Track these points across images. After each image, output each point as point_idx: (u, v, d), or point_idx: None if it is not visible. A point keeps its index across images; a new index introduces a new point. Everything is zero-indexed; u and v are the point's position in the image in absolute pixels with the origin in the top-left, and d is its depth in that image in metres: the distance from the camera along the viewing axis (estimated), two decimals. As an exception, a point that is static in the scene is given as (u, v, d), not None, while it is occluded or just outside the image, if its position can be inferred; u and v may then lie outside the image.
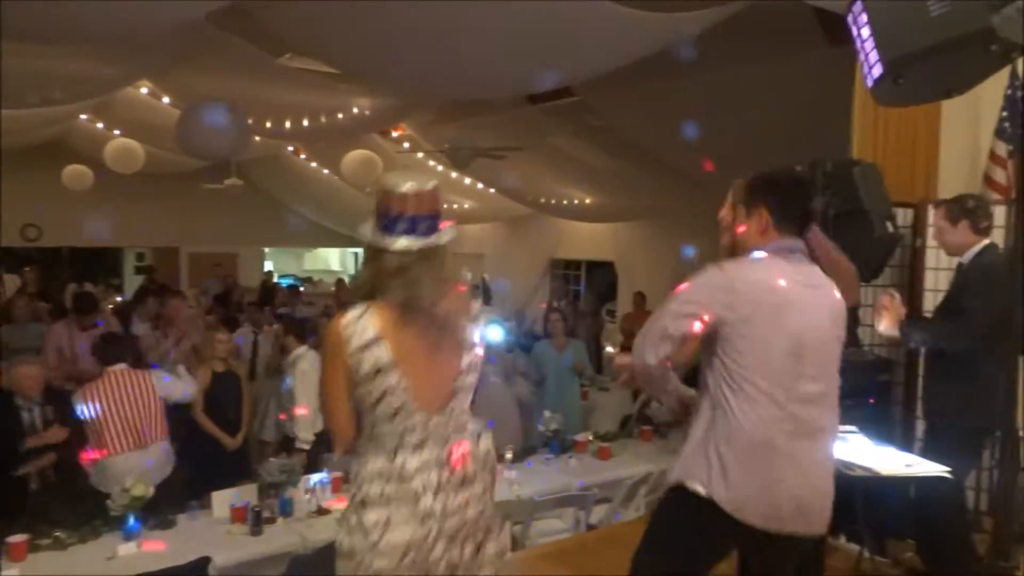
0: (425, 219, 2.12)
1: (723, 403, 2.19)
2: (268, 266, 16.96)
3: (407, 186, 2.11)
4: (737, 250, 2.32)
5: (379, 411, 2.09)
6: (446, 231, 2.18)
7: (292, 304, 10.40)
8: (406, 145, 11.02)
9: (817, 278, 2.27)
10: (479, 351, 2.22)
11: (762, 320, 2.14)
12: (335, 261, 20.79)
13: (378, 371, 2.06)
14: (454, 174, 11.28)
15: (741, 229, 2.31)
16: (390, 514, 2.08)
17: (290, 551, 3.85)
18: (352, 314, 2.10)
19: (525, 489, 4.59)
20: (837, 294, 2.28)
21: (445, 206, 2.28)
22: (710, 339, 2.21)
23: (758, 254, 2.25)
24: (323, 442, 5.02)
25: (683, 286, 2.25)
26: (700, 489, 2.19)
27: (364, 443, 2.17)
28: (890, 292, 3.83)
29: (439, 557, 2.12)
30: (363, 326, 2.07)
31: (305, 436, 5.41)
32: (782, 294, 2.16)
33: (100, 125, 10.11)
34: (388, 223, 2.11)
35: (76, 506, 4.60)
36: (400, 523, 2.07)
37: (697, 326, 2.17)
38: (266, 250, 17.72)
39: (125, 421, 4.53)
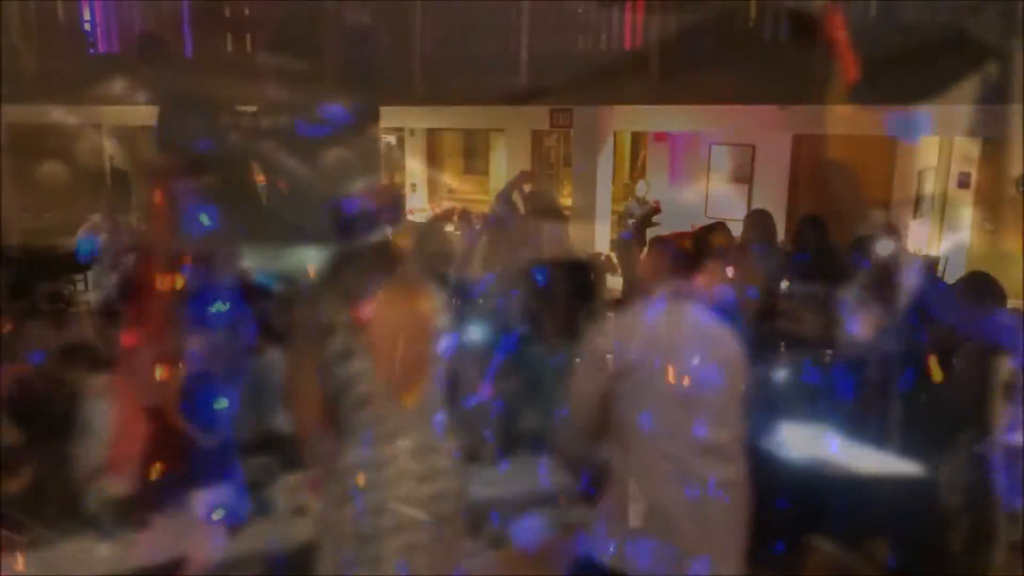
0: (383, 210, 2.21)
1: (621, 467, 2.19)
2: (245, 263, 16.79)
3: (359, 186, 2.21)
4: (645, 279, 2.32)
5: (347, 399, 2.10)
6: (404, 218, 2.26)
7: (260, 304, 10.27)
8: (385, 142, 10.97)
9: (712, 325, 2.23)
10: (447, 340, 2.23)
11: (651, 366, 2.12)
12: (314, 259, 20.62)
13: (346, 356, 2.06)
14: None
15: (647, 262, 2.33)
16: (367, 505, 2.08)
17: (268, 551, 3.83)
18: (324, 299, 2.13)
19: (503, 488, 4.59)
20: (733, 341, 2.25)
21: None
22: (611, 401, 2.20)
23: (655, 300, 2.25)
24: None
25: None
26: (604, 559, 2.18)
27: (338, 435, 2.17)
28: None
29: (417, 546, 2.12)
30: (333, 311, 2.10)
31: None
32: (673, 342, 2.15)
33: (72, 121, 9.97)
34: (348, 224, 2.20)
35: (46, 506, 4.50)
36: (373, 512, 2.08)
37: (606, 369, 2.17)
38: (242, 247, 17.55)
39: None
